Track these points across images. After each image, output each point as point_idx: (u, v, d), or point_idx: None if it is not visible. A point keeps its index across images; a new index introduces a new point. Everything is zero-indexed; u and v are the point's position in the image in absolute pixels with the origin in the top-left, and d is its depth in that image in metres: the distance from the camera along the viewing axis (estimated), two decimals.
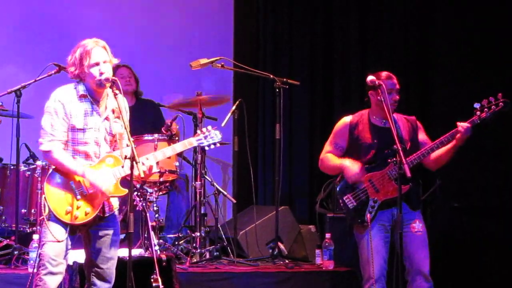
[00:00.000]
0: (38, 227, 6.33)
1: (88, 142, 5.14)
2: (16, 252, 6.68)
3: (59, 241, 5.04)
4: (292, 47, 9.10)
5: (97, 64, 5.10)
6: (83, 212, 5.08)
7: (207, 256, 7.12)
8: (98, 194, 5.09)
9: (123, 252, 5.38)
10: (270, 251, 7.35)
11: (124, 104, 5.24)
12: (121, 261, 5.29)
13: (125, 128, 5.08)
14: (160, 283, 5.72)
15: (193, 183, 7.37)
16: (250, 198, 7.83)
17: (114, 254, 5.22)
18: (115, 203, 5.25)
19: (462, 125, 5.96)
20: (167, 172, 7.03)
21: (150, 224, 6.67)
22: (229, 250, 7.32)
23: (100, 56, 5.11)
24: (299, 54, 9.08)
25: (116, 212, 5.30)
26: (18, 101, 6.82)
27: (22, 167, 7.10)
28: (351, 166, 6.04)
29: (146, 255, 6.52)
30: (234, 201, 7.55)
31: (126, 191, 5.15)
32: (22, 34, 8.62)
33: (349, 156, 6.13)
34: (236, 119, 7.53)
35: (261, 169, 9.00)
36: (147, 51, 8.91)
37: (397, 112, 6.23)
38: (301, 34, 9.10)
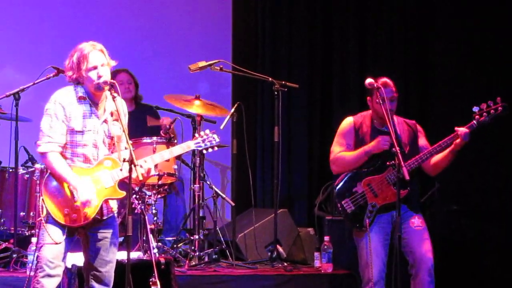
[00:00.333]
0: (37, 230, 6.32)
1: (87, 144, 5.14)
2: (14, 255, 6.67)
3: (57, 243, 5.03)
4: (291, 49, 9.09)
5: (95, 67, 5.09)
6: (81, 215, 5.07)
7: (206, 259, 7.12)
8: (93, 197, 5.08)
9: (122, 255, 5.38)
10: (269, 254, 7.34)
11: (122, 107, 5.24)
12: (119, 264, 5.28)
13: (124, 131, 5.08)
14: (158, 286, 5.72)
15: (192, 186, 7.37)
16: (249, 201, 7.83)
17: (112, 257, 5.21)
18: (113, 205, 5.24)
19: (461, 131, 5.95)
20: (165, 175, 7.03)
21: (148, 227, 6.67)
22: (228, 253, 7.32)
23: (97, 60, 5.11)
24: (298, 56, 9.08)
25: (115, 215, 5.29)
26: (16, 104, 6.82)
27: (21, 170, 7.10)
28: (378, 138, 5.98)
29: (144, 258, 6.52)
30: (233, 204, 7.55)
31: (124, 193, 5.15)
32: (20, 37, 8.61)
33: None
34: (235, 122, 7.52)
35: (259, 172, 8.99)
36: (145, 54, 8.90)
37: (398, 115, 6.23)
38: (300, 36, 9.09)
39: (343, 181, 6.14)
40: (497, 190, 8.31)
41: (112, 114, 5.19)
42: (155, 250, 6.67)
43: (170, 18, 9.09)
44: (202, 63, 7.32)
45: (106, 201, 5.15)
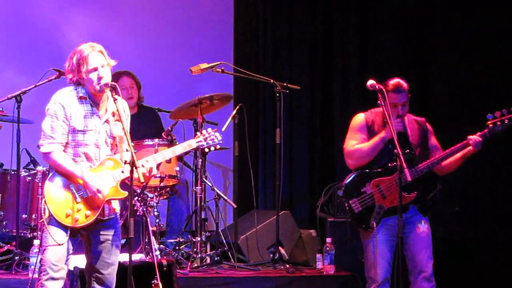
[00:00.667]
0: (39, 233, 6.32)
1: (88, 144, 5.13)
2: (16, 258, 6.68)
3: (60, 244, 5.03)
4: (292, 51, 9.10)
5: (95, 69, 5.09)
6: (84, 215, 5.07)
7: (208, 261, 7.11)
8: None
9: (124, 257, 5.38)
10: (271, 255, 7.34)
11: (124, 109, 5.24)
12: (121, 266, 5.28)
13: (125, 134, 5.08)
14: None
15: (194, 188, 7.37)
16: (251, 202, 7.83)
17: (114, 259, 5.21)
18: (116, 206, 5.24)
19: (473, 139, 5.89)
20: (167, 177, 7.03)
21: (150, 229, 6.67)
22: (230, 255, 7.31)
23: (97, 61, 5.10)
24: (299, 58, 9.08)
25: (118, 216, 5.29)
26: (18, 107, 6.83)
27: (23, 173, 7.11)
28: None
29: (146, 260, 6.52)
30: (235, 206, 7.54)
31: (126, 193, 5.14)
32: (22, 40, 8.63)
33: None
34: (237, 124, 7.52)
35: (261, 174, 8.99)
36: (147, 56, 8.91)
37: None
38: (300, 38, 9.10)
39: (352, 180, 6.05)
40: (499, 192, 8.31)
41: (113, 115, 5.19)
42: (157, 252, 6.68)
43: (172, 20, 9.10)
44: (204, 65, 7.32)
45: (108, 201, 5.15)
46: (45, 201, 5.08)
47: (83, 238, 5.20)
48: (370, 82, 5.88)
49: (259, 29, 9.22)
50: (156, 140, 7.05)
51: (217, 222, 7.39)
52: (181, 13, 9.15)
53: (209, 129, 5.62)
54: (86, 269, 5.26)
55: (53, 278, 5.03)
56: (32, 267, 6.09)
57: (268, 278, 6.82)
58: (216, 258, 7.10)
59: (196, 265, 7.01)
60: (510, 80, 8.25)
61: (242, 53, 9.13)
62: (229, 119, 7.43)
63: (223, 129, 7.22)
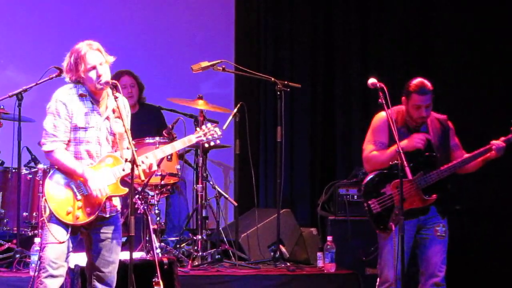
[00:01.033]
0: (40, 230, 6.32)
1: (90, 141, 5.13)
2: (17, 256, 6.68)
3: (61, 243, 5.03)
4: (293, 49, 9.10)
5: (93, 67, 5.09)
6: (84, 213, 5.07)
7: (209, 259, 7.12)
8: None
9: (125, 255, 5.38)
10: (272, 254, 7.34)
11: (125, 105, 5.24)
12: (122, 264, 5.28)
13: (126, 131, 5.08)
14: (161, 286, 5.72)
15: (195, 186, 7.37)
16: (252, 201, 7.84)
17: (115, 257, 5.21)
18: (117, 203, 5.24)
19: (496, 144, 5.83)
20: (168, 175, 7.03)
21: (151, 227, 6.67)
22: (231, 253, 7.32)
23: (95, 59, 5.10)
24: (300, 56, 9.08)
25: (118, 214, 5.28)
26: (19, 105, 6.82)
27: (24, 171, 7.10)
28: (412, 136, 5.76)
29: (147, 258, 6.52)
30: (236, 204, 7.55)
31: (126, 190, 5.14)
32: (23, 38, 8.62)
33: None
34: (237, 122, 7.52)
35: (262, 172, 8.99)
36: (148, 55, 8.90)
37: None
38: (301, 36, 9.09)
39: (371, 180, 5.95)
40: (499, 190, 8.29)
41: (114, 111, 5.18)
42: (158, 250, 6.68)
43: (173, 19, 9.09)
44: (205, 63, 7.32)
45: (109, 198, 5.14)
46: (45, 199, 5.08)
47: (84, 236, 5.20)
48: (371, 80, 5.78)
49: (260, 27, 9.21)
50: (157, 138, 7.05)
51: (218, 220, 7.39)
52: (182, 11, 9.14)
53: (209, 124, 5.60)
54: (86, 267, 5.27)
55: (52, 276, 5.02)
56: (33, 265, 6.10)
57: (269, 276, 6.82)
58: (217, 256, 7.10)
59: (197, 263, 7.01)
60: (510, 80, 8.24)
61: (243, 51, 9.12)
62: (230, 118, 7.43)
63: (224, 127, 7.22)
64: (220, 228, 7.42)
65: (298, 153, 9.00)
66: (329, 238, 7.03)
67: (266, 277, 6.80)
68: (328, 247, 6.96)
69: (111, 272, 5.19)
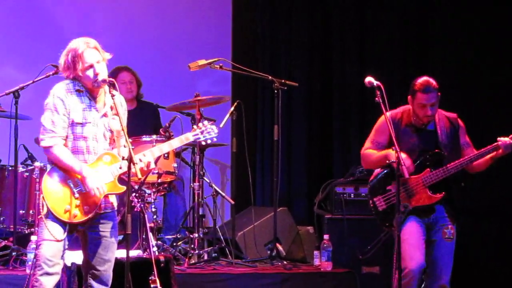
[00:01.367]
0: (37, 228, 6.32)
1: (87, 137, 5.12)
2: (14, 253, 6.68)
3: (58, 241, 5.02)
4: (291, 47, 9.09)
5: (91, 66, 5.08)
6: (82, 210, 5.07)
7: (205, 257, 7.11)
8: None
9: (121, 253, 5.37)
10: (268, 252, 7.34)
11: (122, 103, 5.24)
12: (119, 262, 5.28)
13: (122, 129, 5.07)
14: (158, 284, 5.72)
15: (192, 184, 7.37)
16: (249, 199, 7.84)
17: (111, 256, 5.20)
18: (113, 200, 5.23)
19: (504, 141, 5.78)
20: (165, 173, 7.02)
21: (148, 225, 6.67)
22: (227, 251, 7.32)
23: (92, 58, 5.09)
24: (298, 55, 9.07)
25: (115, 211, 5.27)
26: (16, 102, 6.82)
27: (20, 168, 7.10)
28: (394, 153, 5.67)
29: (144, 256, 6.52)
30: (232, 202, 7.55)
31: (124, 188, 5.14)
32: (20, 35, 8.61)
33: None
34: (235, 120, 7.52)
35: (259, 170, 8.99)
36: (145, 53, 8.89)
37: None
38: (299, 35, 9.08)
39: (378, 177, 5.96)
40: (499, 189, 8.27)
41: (111, 108, 5.18)
42: (155, 249, 6.67)
43: (170, 17, 9.08)
44: (202, 62, 7.32)
45: (105, 196, 5.14)
46: (43, 196, 5.07)
47: (79, 234, 5.19)
48: (368, 79, 5.75)
49: (257, 26, 9.20)
50: (154, 137, 7.05)
51: (215, 218, 7.40)
52: (180, 10, 9.14)
53: (206, 122, 5.61)
54: (82, 265, 5.26)
55: (48, 273, 5.02)
56: (30, 263, 6.10)
57: (266, 275, 6.82)
58: (213, 255, 7.10)
59: (193, 261, 7.01)
60: (510, 80, 8.24)
61: (241, 50, 9.12)
62: (227, 116, 7.42)
63: (221, 125, 7.22)
64: (217, 226, 7.42)
65: (295, 152, 9.00)
66: (326, 236, 7.03)
67: (263, 276, 6.80)
68: (325, 245, 6.97)
69: (107, 270, 5.18)
